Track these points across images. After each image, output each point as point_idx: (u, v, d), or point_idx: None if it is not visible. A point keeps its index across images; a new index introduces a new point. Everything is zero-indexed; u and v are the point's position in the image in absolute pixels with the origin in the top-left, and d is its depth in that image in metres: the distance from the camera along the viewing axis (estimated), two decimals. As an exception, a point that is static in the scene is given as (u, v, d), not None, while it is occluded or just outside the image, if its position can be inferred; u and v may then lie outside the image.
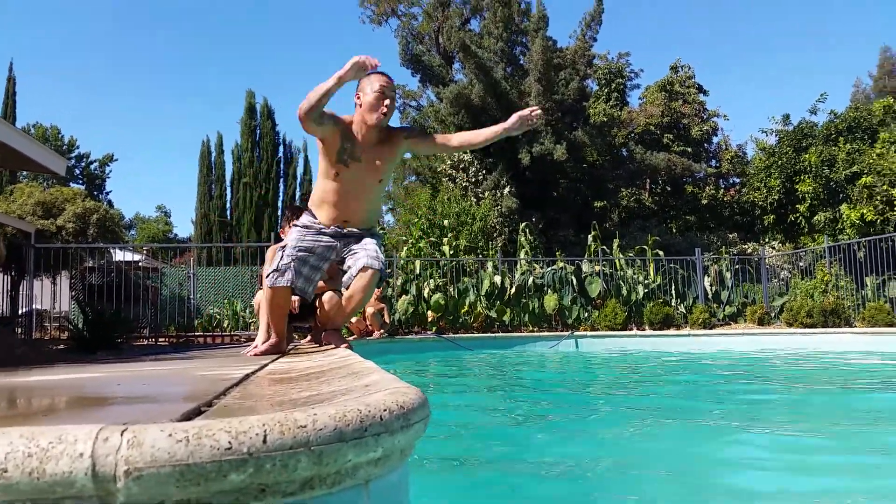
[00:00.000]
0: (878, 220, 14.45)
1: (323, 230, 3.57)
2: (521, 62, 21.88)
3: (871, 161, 15.19)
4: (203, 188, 28.70)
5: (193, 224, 29.45)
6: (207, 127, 69.50)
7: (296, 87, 72.51)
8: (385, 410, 0.94)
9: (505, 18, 21.25)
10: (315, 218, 3.62)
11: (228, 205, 29.12)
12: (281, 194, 30.21)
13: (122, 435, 0.76)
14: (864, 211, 14.66)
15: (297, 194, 30.13)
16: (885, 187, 14.47)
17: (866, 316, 10.10)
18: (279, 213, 29.22)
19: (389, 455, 0.96)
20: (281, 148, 30.06)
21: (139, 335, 10.98)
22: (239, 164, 28.80)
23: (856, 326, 10.38)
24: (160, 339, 10.92)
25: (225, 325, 12.08)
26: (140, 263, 16.41)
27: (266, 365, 2.67)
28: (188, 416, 1.18)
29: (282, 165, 30.09)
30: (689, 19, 59.10)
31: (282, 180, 30.11)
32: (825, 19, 59.64)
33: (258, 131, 29.41)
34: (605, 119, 22.42)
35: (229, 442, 0.78)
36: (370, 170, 3.50)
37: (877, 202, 14.60)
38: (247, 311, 12.11)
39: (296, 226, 3.66)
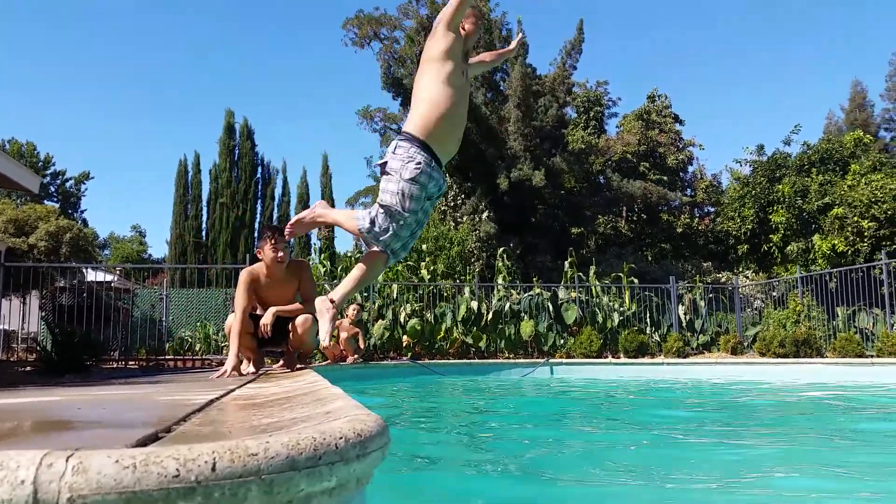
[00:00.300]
0: (849, 251, 14.71)
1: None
2: (502, 88, 22.12)
3: (842, 192, 15.50)
4: (179, 208, 28.46)
5: (168, 244, 29.16)
6: (185, 146, 69.25)
7: (275, 108, 72.52)
8: (341, 438, 0.94)
9: (486, 44, 21.50)
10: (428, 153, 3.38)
11: (204, 225, 28.89)
12: (258, 215, 30.04)
13: (67, 461, 0.75)
14: (836, 242, 14.92)
15: (275, 215, 30.00)
16: (855, 218, 14.75)
17: (837, 346, 10.23)
18: (255, 234, 29.04)
19: (345, 484, 0.95)
20: (259, 168, 29.97)
21: (109, 358, 10.78)
22: (216, 184, 28.62)
23: (827, 356, 10.50)
24: (130, 363, 10.73)
25: (197, 349, 11.92)
26: (113, 284, 16.16)
27: (233, 390, 2.64)
28: (143, 443, 1.16)
29: (260, 186, 29.97)
30: (666, 50, 60.31)
31: (259, 201, 29.96)
32: (799, 53, 61.19)
33: (237, 151, 29.30)
34: (584, 146, 22.69)
35: (177, 469, 0.77)
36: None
37: (847, 233, 14.87)
38: (219, 334, 11.97)
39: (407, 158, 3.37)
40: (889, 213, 14.30)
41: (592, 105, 25.78)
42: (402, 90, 23.70)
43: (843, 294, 12.26)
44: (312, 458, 0.87)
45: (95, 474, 0.74)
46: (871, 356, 9.67)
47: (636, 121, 24.90)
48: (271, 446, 0.84)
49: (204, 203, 28.97)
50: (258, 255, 4.96)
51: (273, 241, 4.77)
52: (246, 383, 3.24)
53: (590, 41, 25.34)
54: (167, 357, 11.22)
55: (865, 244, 14.52)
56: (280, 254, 4.78)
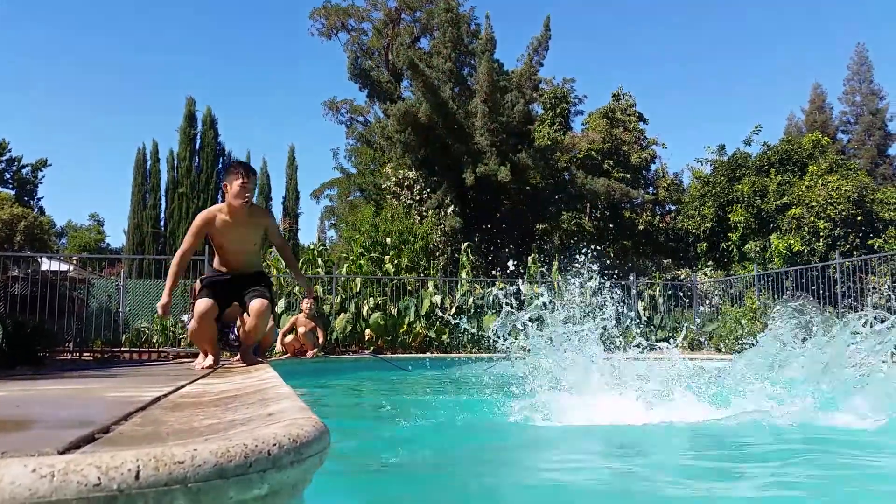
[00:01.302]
0: (805, 251, 15.07)
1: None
2: (469, 83, 22.12)
3: (800, 193, 15.87)
4: (137, 197, 27.93)
5: (126, 234, 28.60)
6: (144, 134, 67.78)
7: (238, 97, 71.41)
8: (274, 445, 0.92)
9: (454, 39, 21.46)
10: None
11: (163, 215, 28.39)
12: (220, 206, 29.62)
13: (-20, 472, 0.72)
14: (792, 241, 15.27)
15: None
16: (811, 219, 15.11)
17: (789, 343, 10.47)
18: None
19: (278, 491, 0.93)
20: (222, 158, 29.53)
21: (63, 349, 10.54)
22: (175, 173, 28.14)
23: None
24: (85, 354, 10.50)
25: (154, 341, 11.71)
26: (69, 273, 15.78)
27: (182, 386, 2.59)
28: (77, 445, 1.13)
29: (221, 176, 29.56)
30: (632, 50, 60.93)
31: (220, 192, 29.57)
32: (762, 55, 62.37)
33: (198, 140, 28.82)
34: (549, 143, 22.81)
35: (98, 478, 0.74)
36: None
37: (804, 233, 15.23)
38: (177, 326, 11.77)
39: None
40: (843, 213, 14.69)
41: (559, 102, 25.92)
42: (369, 82, 23.55)
43: (798, 292, 12.57)
44: (242, 465, 0.85)
45: (8, 484, 0.71)
46: (822, 354, 9.92)
47: (601, 119, 25.11)
48: (199, 454, 0.82)
49: (162, 192, 28.47)
50: (224, 190, 4.79)
51: (243, 180, 4.63)
52: (197, 378, 3.19)
53: (556, 38, 25.44)
54: (123, 349, 11.01)
55: (821, 244, 14.89)
56: (248, 193, 4.65)
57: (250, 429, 1.09)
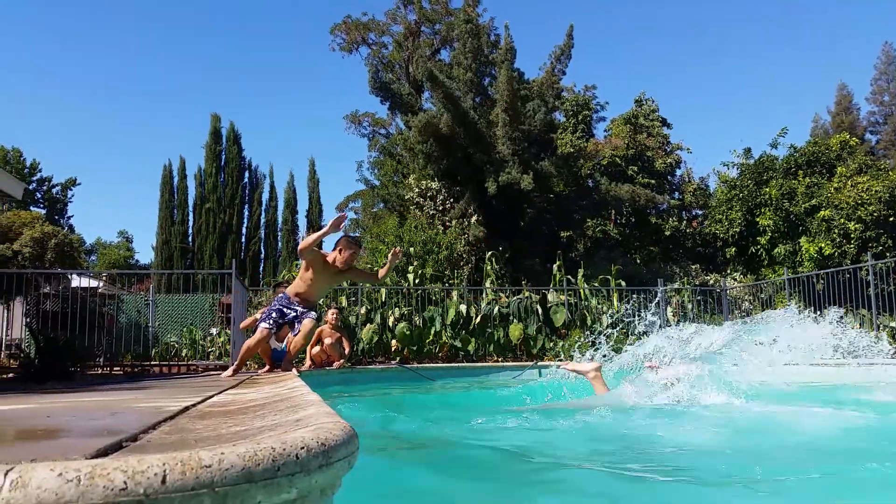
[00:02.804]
0: (836, 253, 14.79)
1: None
2: (490, 93, 22.14)
3: (828, 195, 15.59)
4: (165, 213, 28.32)
5: (154, 250, 28.99)
6: (170, 151, 68.80)
7: (263, 112, 72.33)
8: (303, 448, 0.90)
9: (474, 49, 21.51)
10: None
11: (190, 230, 28.75)
12: (245, 220, 29.93)
13: (5, 475, 0.71)
14: (823, 244, 15.00)
15: (262, 220, 29.86)
16: (841, 221, 14.84)
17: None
18: (243, 239, 28.89)
19: (306, 495, 0.91)
20: (247, 173, 29.86)
21: (93, 364, 10.68)
22: (202, 189, 28.52)
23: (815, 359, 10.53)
24: (115, 369, 10.62)
25: (183, 354, 11.83)
26: (99, 290, 16.03)
27: (211, 396, 2.59)
28: (104, 452, 1.12)
29: (247, 191, 29.85)
30: (654, 54, 60.61)
31: (246, 206, 29.85)
32: (787, 56, 61.66)
33: (223, 156, 29.19)
34: (572, 150, 22.72)
35: (125, 482, 0.73)
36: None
37: (834, 235, 14.95)
38: (206, 339, 11.88)
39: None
40: (875, 214, 14.40)
41: (581, 109, 25.83)
42: (389, 95, 23.67)
43: (830, 296, 12.32)
44: (270, 469, 0.84)
45: (35, 489, 0.70)
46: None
47: (624, 125, 24.96)
48: (226, 457, 0.80)
49: (190, 208, 28.86)
50: (338, 247, 6.56)
51: (356, 251, 6.69)
52: (226, 389, 3.20)
53: (579, 45, 25.38)
54: (153, 363, 11.12)
55: (852, 246, 14.61)
56: (354, 260, 6.74)
57: (278, 433, 1.07)
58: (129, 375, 9.01)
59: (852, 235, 14.59)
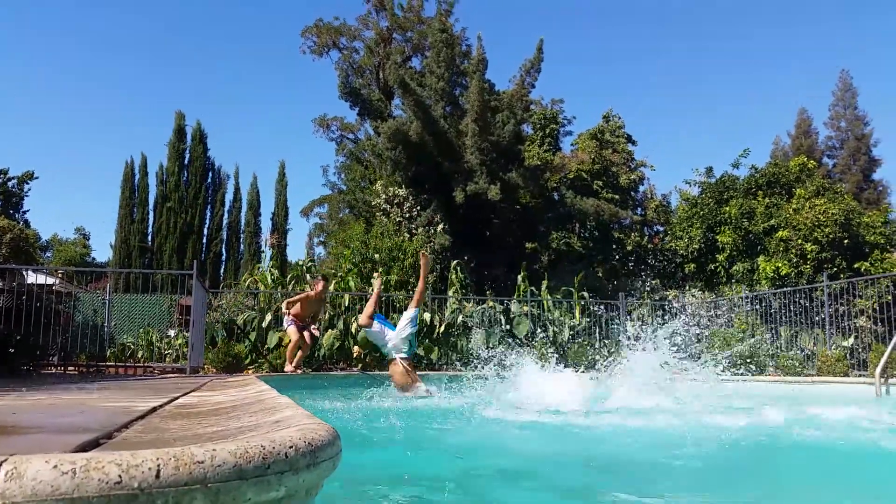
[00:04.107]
0: (793, 273, 15.18)
1: None
2: (461, 102, 22.25)
3: (787, 216, 16.01)
4: (124, 211, 27.77)
5: (112, 248, 28.39)
6: (133, 148, 67.46)
7: (230, 112, 71.41)
8: (291, 448, 0.91)
9: (447, 59, 21.62)
10: None
11: (150, 229, 28.23)
12: (207, 220, 29.50)
13: (0, 466, 0.71)
14: (780, 264, 15.39)
15: (225, 221, 29.46)
16: (799, 241, 15.25)
17: (780, 364, 10.53)
18: (204, 240, 28.47)
19: (293, 494, 0.93)
20: (210, 173, 29.46)
21: (47, 363, 10.41)
22: (164, 187, 28.04)
23: (769, 374, 10.79)
24: (69, 368, 10.37)
25: (139, 356, 11.60)
26: (54, 287, 15.62)
27: (177, 398, 2.57)
28: (84, 448, 1.12)
29: (210, 191, 29.44)
30: (621, 72, 61.53)
31: (209, 206, 29.43)
32: (749, 80, 63.22)
33: (187, 155, 28.75)
34: (539, 163, 22.95)
35: (119, 476, 0.74)
36: None
37: (791, 255, 15.36)
38: (163, 341, 11.67)
39: None
40: (831, 236, 14.84)
41: (548, 122, 26.11)
42: (359, 100, 23.62)
43: (785, 314, 12.64)
44: (261, 466, 0.85)
45: (30, 480, 0.70)
46: (812, 375, 9.98)
47: (590, 140, 25.30)
48: (218, 454, 0.81)
49: (151, 206, 28.35)
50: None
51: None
52: (190, 391, 3.16)
53: (548, 59, 25.67)
54: (108, 364, 10.88)
55: (808, 266, 15.01)
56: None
57: (261, 433, 1.08)
58: (84, 375, 8.80)
59: (809, 256, 15.00)
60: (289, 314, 9.66)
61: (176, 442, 1.22)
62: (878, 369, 8.12)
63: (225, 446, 0.84)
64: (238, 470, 0.82)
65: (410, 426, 4.90)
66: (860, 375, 9.52)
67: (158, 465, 0.77)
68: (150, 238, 28.25)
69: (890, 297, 12.26)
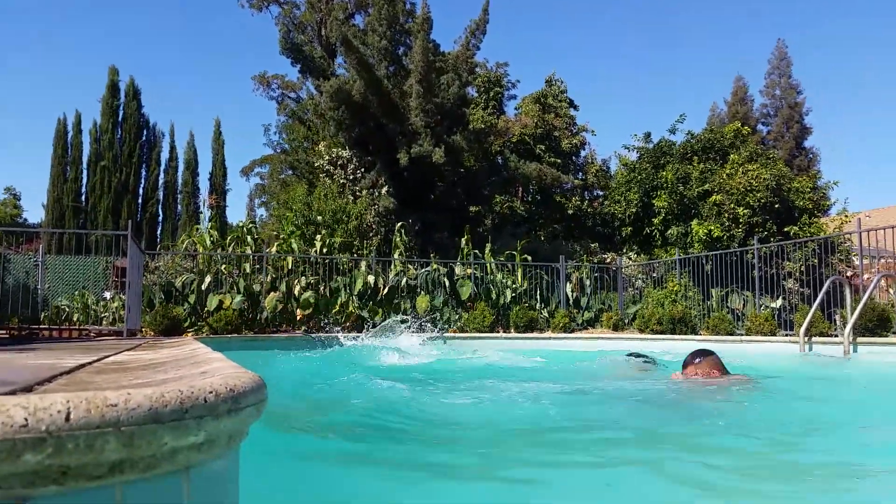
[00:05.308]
0: (725, 237, 15.67)
1: None
2: (405, 63, 21.93)
3: (720, 181, 16.45)
4: (57, 170, 26.66)
5: (45, 208, 27.29)
6: (66, 104, 64.41)
7: (165, 68, 68.72)
8: (211, 393, 0.91)
9: (389, 17, 21.21)
10: None
11: (84, 189, 27.21)
12: (143, 180, 28.60)
13: None
14: (712, 227, 15.86)
15: (161, 180, 28.60)
16: (731, 206, 15.71)
17: (710, 325, 10.93)
18: (140, 200, 27.63)
19: (214, 440, 0.92)
20: (145, 131, 28.46)
21: (-26, 326, 10.02)
22: (98, 145, 26.99)
23: (701, 334, 11.21)
24: (0, 332, 10.01)
25: (75, 319, 11.27)
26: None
27: (108, 356, 2.51)
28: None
29: (145, 150, 28.48)
30: (563, 36, 61.67)
31: (144, 165, 28.50)
32: (688, 46, 64.23)
33: (121, 112, 27.67)
34: (483, 126, 22.91)
35: (25, 419, 0.72)
36: None
37: (724, 219, 15.83)
38: (99, 304, 11.36)
39: None
40: (762, 201, 15.33)
41: (493, 86, 26.04)
42: (301, 57, 23.03)
43: (717, 276, 13.09)
44: (178, 410, 0.84)
45: (-72, 425, 0.68)
46: (741, 335, 10.40)
47: (534, 104, 25.37)
48: (133, 397, 0.80)
49: (84, 165, 27.28)
50: None
51: None
52: (123, 350, 3.10)
53: (493, 21, 25.50)
54: (42, 327, 10.54)
55: (740, 230, 15.51)
56: None
57: (185, 381, 1.07)
58: (16, 339, 8.50)
59: (741, 220, 15.49)
60: None
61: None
62: (803, 329, 8.52)
63: (141, 390, 0.83)
64: (154, 413, 0.81)
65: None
66: (787, 335, 9.97)
67: (68, 408, 0.75)
68: (83, 198, 27.25)
69: (816, 260, 12.83)
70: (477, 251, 14.97)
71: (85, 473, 0.77)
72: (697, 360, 5.49)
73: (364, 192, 19.44)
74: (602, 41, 63.64)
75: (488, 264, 14.58)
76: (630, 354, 7.74)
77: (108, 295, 12.49)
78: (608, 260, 18.28)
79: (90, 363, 2.08)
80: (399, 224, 16.53)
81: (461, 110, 21.80)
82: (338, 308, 12.22)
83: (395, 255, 14.82)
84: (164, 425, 0.83)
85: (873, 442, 3.20)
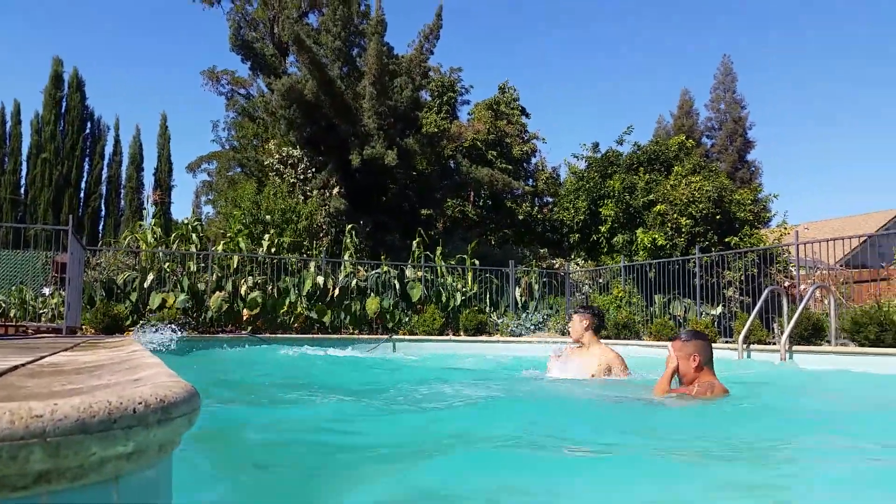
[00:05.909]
0: (668, 245, 16.09)
1: None
2: (359, 64, 21.85)
3: (665, 191, 16.88)
4: (-6, 161, 25.65)
5: (-21, 200, 26.22)
6: (4, 94, 62.00)
7: (111, 60, 66.83)
8: (140, 403, 0.92)
9: (344, 17, 21.11)
10: None
11: (23, 181, 26.28)
12: (85, 174, 27.78)
13: None
14: (656, 236, 16.26)
15: (104, 175, 27.82)
16: (674, 216, 16.14)
17: (653, 330, 11.20)
18: (82, 194, 26.85)
19: (144, 450, 0.93)
20: (89, 124, 27.65)
21: None
22: (39, 137, 26.09)
23: (643, 339, 11.47)
24: (-72, 328, 9.61)
25: (12, 315, 10.90)
26: None
27: (44, 357, 2.46)
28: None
29: (89, 143, 27.66)
30: (517, 45, 62.34)
31: (87, 159, 27.69)
32: (636, 59, 65.63)
33: (64, 103, 26.82)
34: (436, 130, 22.98)
35: (-53, 431, 0.72)
36: None
37: (667, 228, 16.25)
38: (38, 300, 11.01)
39: None
40: (704, 212, 15.79)
41: (446, 91, 26.13)
42: (252, 54, 22.74)
43: (660, 283, 13.43)
44: (106, 421, 0.85)
45: None
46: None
47: (486, 110, 25.55)
48: (59, 408, 0.81)
49: (24, 157, 26.34)
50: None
51: None
52: (60, 351, 3.03)
53: (447, 26, 25.61)
54: (-27, 324, 10.16)
55: (682, 239, 15.94)
56: None
57: (115, 390, 1.07)
58: (-58, 336, 8.18)
59: (683, 230, 15.92)
60: None
61: (28, 399, 1.19)
62: (741, 336, 8.80)
63: (68, 401, 0.84)
64: (81, 424, 0.82)
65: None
66: (726, 342, 10.29)
67: (-8, 420, 0.76)
68: (22, 191, 26.30)
69: (756, 270, 13.28)
70: (428, 254, 15.02)
71: (9, 484, 0.78)
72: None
73: (315, 192, 19.28)
74: (554, 51, 64.56)
75: (439, 267, 14.64)
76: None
77: (47, 291, 12.10)
78: (556, 265, 18.54)
79: (24, 364, 2.04)
80: (350, 225, 16.46)
81: (414, 114, 21.83)
82: (286, 308, 12.10)
83: (346, 257, 14.75)
84: (92, 436, 0.84)
85: (803, 444, 3.36)
